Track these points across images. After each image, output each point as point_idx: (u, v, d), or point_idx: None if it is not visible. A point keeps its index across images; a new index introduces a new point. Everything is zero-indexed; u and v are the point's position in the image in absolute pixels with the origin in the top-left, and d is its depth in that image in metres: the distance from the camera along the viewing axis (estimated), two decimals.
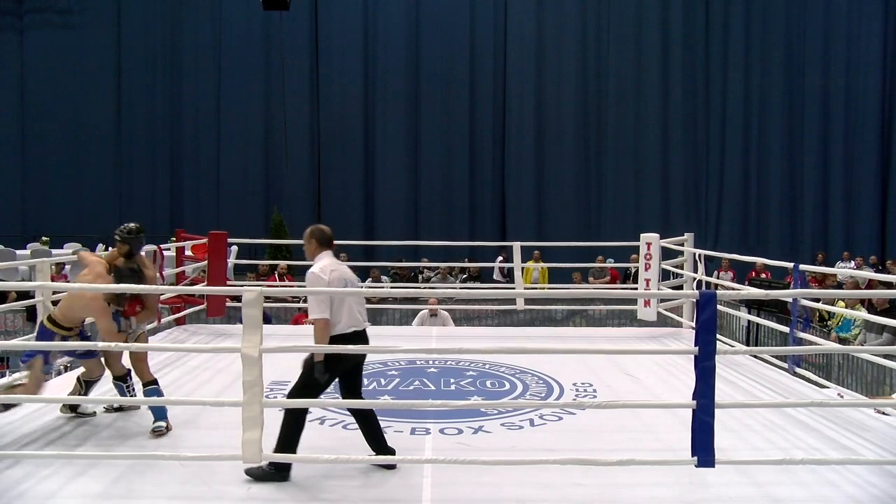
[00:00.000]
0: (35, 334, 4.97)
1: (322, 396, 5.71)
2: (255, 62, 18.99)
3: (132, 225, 5.38)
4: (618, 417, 5.15)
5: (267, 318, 8.45)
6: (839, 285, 11.37)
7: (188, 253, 8.67)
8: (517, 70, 18.98)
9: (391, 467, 4.24)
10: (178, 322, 8.50)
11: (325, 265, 4.30)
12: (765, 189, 18.66)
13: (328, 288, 4.18)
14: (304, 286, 4.42)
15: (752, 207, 18.73)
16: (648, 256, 8.40)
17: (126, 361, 5.03)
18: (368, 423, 4.32)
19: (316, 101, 18.98)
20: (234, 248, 12.59)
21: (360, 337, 4.30)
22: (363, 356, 4.49)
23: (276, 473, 4.06)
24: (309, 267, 4.36)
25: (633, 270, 12.85)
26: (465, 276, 14.09)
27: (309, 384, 4.18)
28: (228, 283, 8.02)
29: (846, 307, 8.95)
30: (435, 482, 4.06)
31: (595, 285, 13.32)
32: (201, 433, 4.79)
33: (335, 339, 4.18)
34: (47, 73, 18.93)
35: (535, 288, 12.78)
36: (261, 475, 4.05)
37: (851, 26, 18.15)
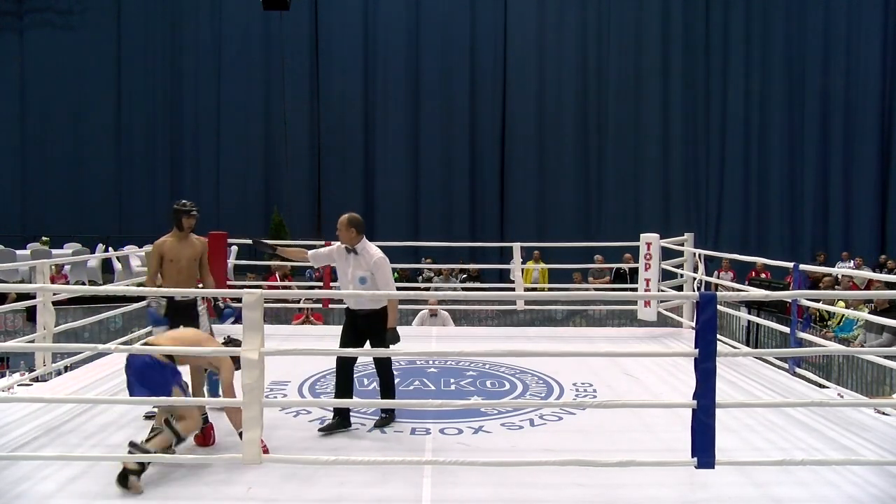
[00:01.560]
0: (147, 370, 4.13)
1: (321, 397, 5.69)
2: (255, 62, 19.01)
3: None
4: (618, 417, 5.15)
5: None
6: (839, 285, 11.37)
7: None
8: (517, 70, 18.99)
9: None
10: None
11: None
12: (765, 189, 18.68)
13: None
14: (304, 286, 4.49)
15: (752, 207, 18.75)
16: (648, 256, 8.40)
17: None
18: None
19: (316, 101, 18.99)
20: (234, 249, 12.59)
21: None
22: None
23: (341, 421, 4.91)
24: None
25: (624, 270, 12.89)
26: (464, 276, 14.08)
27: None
28: (228, 283, 8.00)
29: (846, 307, 8.94)
30: (435, 482, 4.06)
31: (595, 285, 13.31)
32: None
33: (382, 311, 5.02)
34: (47, 73, 18.94)
35: (535, 288, 12.77)
36: (332, 427, 4.86)
37: (851, 26, 18.18)
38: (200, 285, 5.56)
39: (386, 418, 5.07)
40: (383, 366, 5.16)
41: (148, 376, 4.10)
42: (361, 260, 5.02)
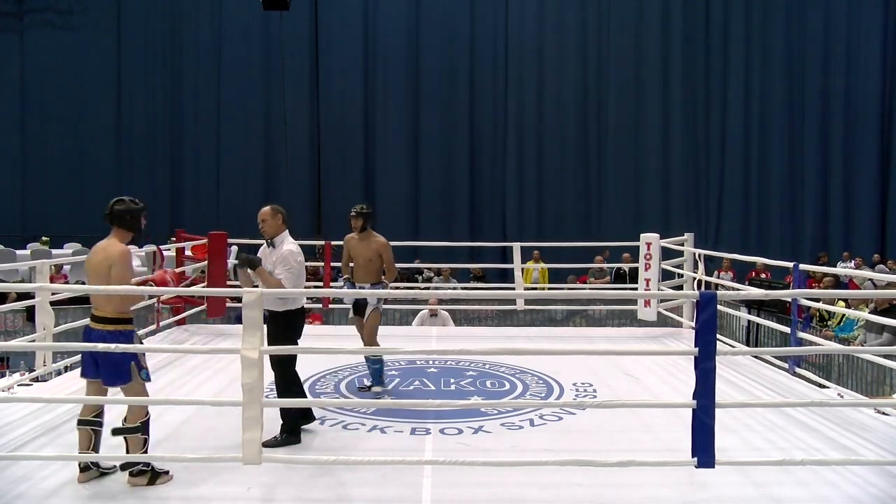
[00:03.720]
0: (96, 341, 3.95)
1: (325, 396, 5.68)
2: (255, 62, 18.99)
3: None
4: (618, 417, 5.15)
5: None
6: (842, 285, 11.38)
7: (188, 253, 8.67)
8: (517, 70, 18.97)
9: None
10: (179, 322, 8.51)
11: (297, 246, 4.85)
12: (765, 189, 18.65)
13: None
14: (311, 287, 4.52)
15: (752, 207, 18.72)
16: (648, 256, 8.39)
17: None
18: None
19: (316, 102, 18.97)
20: (234, 249, 12.58)
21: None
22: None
23: (290, 437, 4.65)
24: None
25: (624, 270, 12.91)
26: (471, 276, 14.00)
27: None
28: (228, 283, 8.00)
29: (847, 307, 8.93)
30: (435, 482, 4.06)
31: (595, 285, 13.30)
32: (201, 433, 4.79)
33: (296, 312, 4.79)
34: (47, 73, 18.92)
35: (535, 288, 12.77)
36: (277, 444, 4.56)
37: (851, 26, 18.16)
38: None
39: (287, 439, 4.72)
40: (275, 367, 4.74)
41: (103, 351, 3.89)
42: (275, 253, 4.76)
